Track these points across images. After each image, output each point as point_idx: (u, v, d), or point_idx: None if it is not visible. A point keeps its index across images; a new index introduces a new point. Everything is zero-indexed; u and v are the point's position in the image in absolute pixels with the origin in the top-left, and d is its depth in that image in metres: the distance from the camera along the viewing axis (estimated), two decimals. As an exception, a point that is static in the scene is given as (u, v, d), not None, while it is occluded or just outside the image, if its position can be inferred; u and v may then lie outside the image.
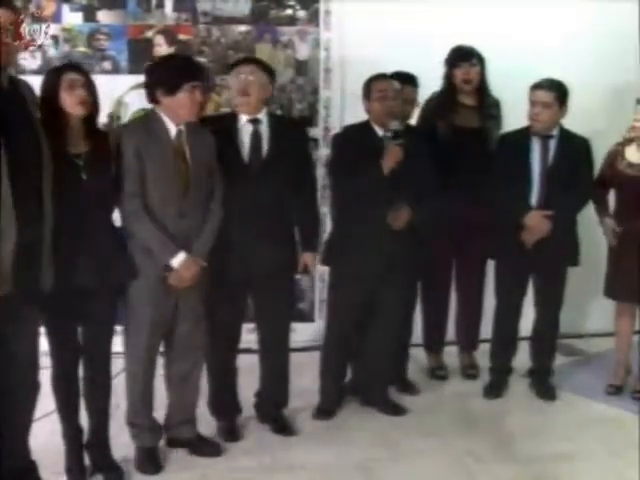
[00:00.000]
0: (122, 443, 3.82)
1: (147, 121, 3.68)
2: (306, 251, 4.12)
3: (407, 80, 4.41)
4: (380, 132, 4.15)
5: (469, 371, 4.97)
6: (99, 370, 3.64)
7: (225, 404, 4.17)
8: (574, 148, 4.41)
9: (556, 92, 4.31)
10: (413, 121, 4.64)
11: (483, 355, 4.93)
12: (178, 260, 3.59)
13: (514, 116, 4.58)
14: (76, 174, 3.38)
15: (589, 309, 5.36)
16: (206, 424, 4.08)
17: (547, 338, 4.67)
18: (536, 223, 4.33)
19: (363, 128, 4.20)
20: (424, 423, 4.32)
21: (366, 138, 4.15)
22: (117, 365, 3.80)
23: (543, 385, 4.69)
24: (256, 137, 3.91)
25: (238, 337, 4.10)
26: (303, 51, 5.12)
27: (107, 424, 3.74)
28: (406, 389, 4.68)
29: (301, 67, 5.13)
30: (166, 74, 3.60)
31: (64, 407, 3.63)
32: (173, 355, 3.82)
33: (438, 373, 4.94)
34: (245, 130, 3.91)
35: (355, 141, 4.16)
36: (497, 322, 4.69)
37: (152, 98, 3.62)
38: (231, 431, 4.14)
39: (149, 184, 3.55)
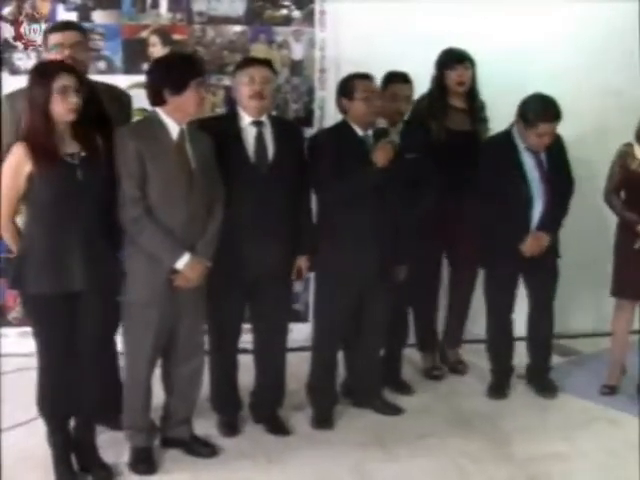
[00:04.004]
0: (114, 443, 3.85)
1: (147, 123, 3.68)
2: (302, 254, 4.11)
3: (402, 78, 4.39)
4: (360, 132, 4.10)
5: (458, 367, 5.02)
6: (87, 370, 3.60)
7: (226, 399, 4.18)
8: (556, 150, 4.41)
9: (560, 117, 4.27)
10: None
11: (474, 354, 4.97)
12: (183, 262, 3.58)
13: (500, 118, 4.61)
14: (71, 174, 3.35)
15: (583, 309, 5.35)
16: (203, 420, 4.11)
17: (544, 334, 4.67)
18: (533, 248, 4.37)
19: (341, 129, 4.14)
20: (419, 423, 4.31)
21: (346, 139, 4.08)
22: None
23: (543, 382, 4.70)
24: (260, 139, 3.91)
25: (239, 333, 4.11)
26: (298, 51, 5.11)
27: (93, 422, 3.73)
28: (400, 389, 4.67)
29: (296, 67, 5.13)
30: (172, 73, 3.58)
31: (51, 413, 3.58)
32: (177, 356, 3.80)
33: (433, 373, 4.94)
34: (248, 132, 3.91)
35: (335, 143, 4.07)
36: (493, 324, 4.68)
37: (156, 99, 3.60)
38: (231, 426, 4.15)
39: (152, 186, 3.53)
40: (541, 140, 4.30)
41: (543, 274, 4.55)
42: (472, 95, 4.70)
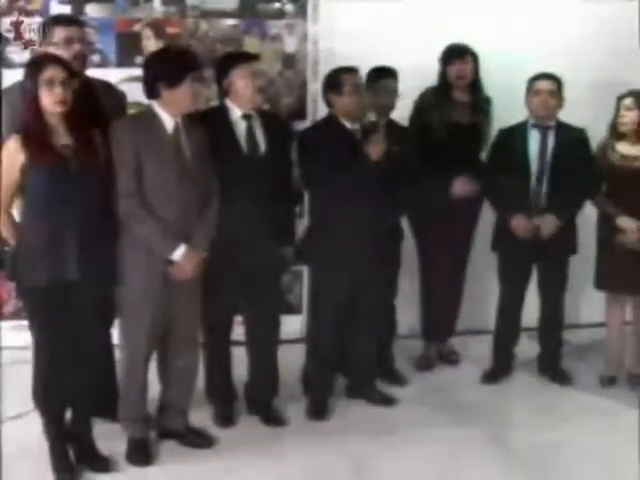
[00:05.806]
0: (111, 435, 3.87)
1: (143, 117, 3.69)
2: (288, 246, 4.15)
3: (389, 73, 4.43)
4: (349, 125, 4.11)
5: (451, 357, 5.07)
6: (83, 362, 3.61)
7: (221, 391, 4.21)
8: (572, 138, 4.48)
9: (558, 82, 4.44)
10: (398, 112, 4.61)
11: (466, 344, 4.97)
12: (179, 253, 3.60)
13: (508, 114, 4.66)
14: (65, 165, 3.36)
15: (577, 300, 5.38)
16: (199, 412, 4.13)
17: (555, 324, 4.75)
18: (518, 227, 4.45)
19: (330, 123, 4.16)
20: (413, 414, 4.35)
21: (336, 133, 4.10)
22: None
23: (556, 370, 4.78)
24: (251, 132, 3.93)
25: (232, 325, 4.14)
26: (291, 44, 5.12)
27: (89, 415, 3.74)
28: (394, 380, 4.70)
29: (289, 60, 5.14)
30: (167, 68, 3.59)
31: (47, 405, 3.59)
32: (172, 348, 3.83)
33: (419, 363, 4.97)
34: (239, 125, 3.92)
35: (326, 137, 4.09)
36: (501, 311, 4.76)
37: (152, 93, 3.62)
38: (227, 417, 4.17)
39: (148, 179, 3.55)
40: (538, 99, 4.43)
41: (556, 264, 4.63)
42: (474, 88, 4.73)
